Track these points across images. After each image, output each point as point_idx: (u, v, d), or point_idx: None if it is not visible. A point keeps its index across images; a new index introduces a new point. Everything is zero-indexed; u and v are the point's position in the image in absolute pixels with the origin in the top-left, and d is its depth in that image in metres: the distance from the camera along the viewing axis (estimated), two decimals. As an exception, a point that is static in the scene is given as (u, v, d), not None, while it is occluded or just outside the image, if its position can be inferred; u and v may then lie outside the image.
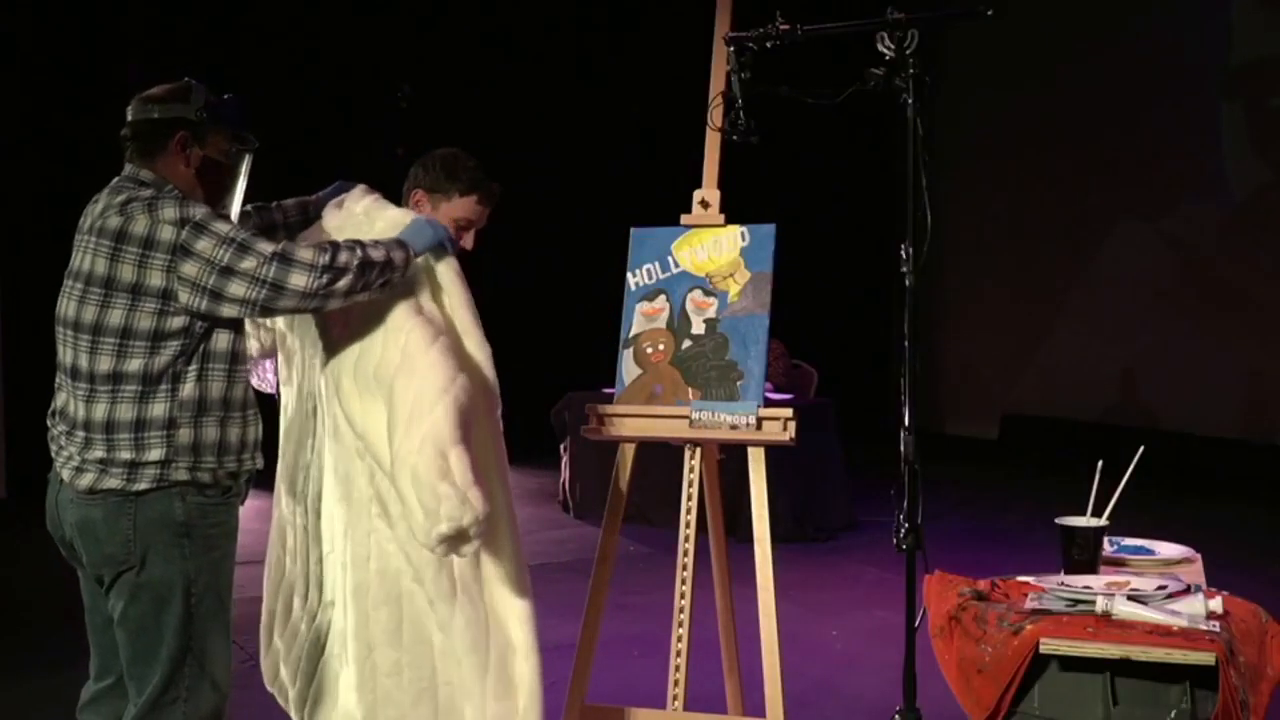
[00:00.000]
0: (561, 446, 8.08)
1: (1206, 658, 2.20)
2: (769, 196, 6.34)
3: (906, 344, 2.75)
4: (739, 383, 3.22)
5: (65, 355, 2.66)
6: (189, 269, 2.54)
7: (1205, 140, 9.76)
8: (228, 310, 2.58)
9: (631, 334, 3.37)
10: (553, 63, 10.31)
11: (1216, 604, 2.44)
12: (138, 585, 2.61)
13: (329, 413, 2.83)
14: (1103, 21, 10.21)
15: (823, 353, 8.73)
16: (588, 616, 3.22)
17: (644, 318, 3.37)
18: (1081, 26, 10.38)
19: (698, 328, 3.31)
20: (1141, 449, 2.91)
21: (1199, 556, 2.93)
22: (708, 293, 3.33)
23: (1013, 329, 11.38)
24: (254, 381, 7.85)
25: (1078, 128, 10.52)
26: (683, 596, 3.18)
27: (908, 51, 2.75)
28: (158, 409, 2.59)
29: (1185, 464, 9.02)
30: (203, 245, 2.54)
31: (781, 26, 3.02)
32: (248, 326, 2.89)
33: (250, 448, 2.74)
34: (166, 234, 2.54)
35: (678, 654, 3.16)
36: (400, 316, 2.72)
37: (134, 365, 2.58)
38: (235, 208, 2.82)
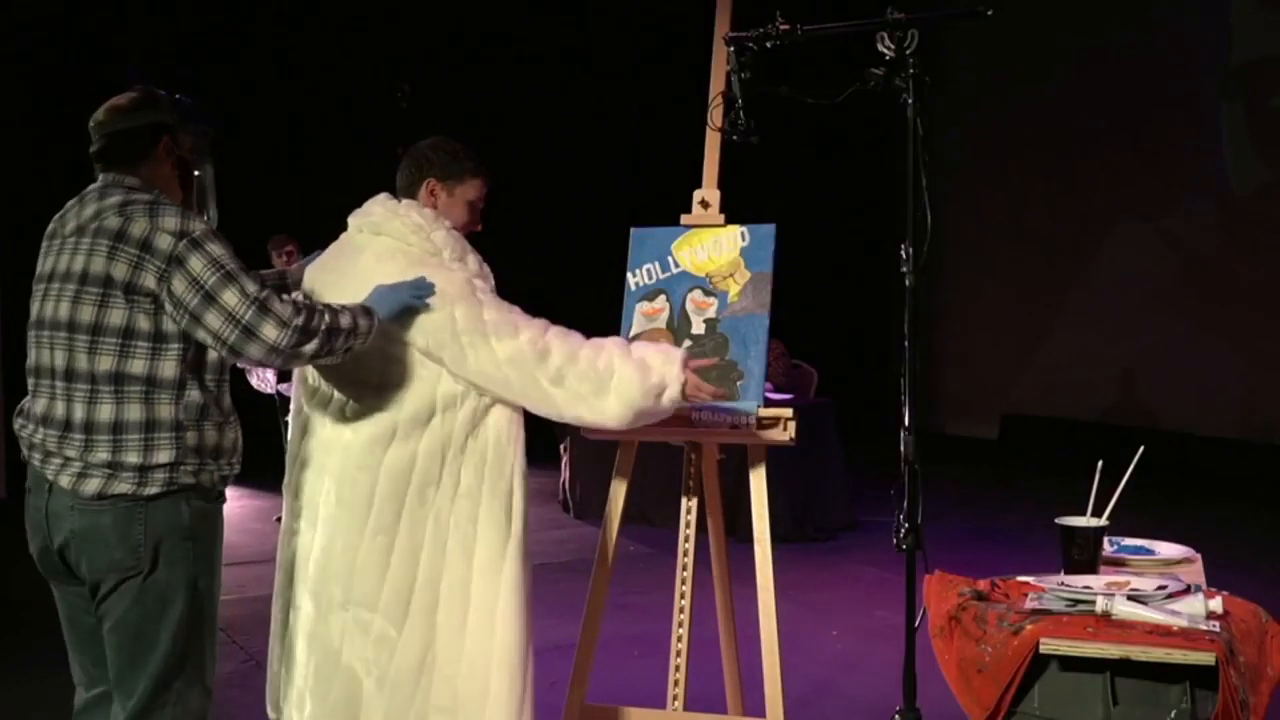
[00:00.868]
0: (561, 446, 8.09)
1: (1206, 658, 2.20)
2: (769, 196, 6.34)
3: (906, 344, 2.75)
4: (739, 383, 3.22)
5: (54, 358, 2.61)
6: (178, 285, 2.54)
7: (1205, 140, 9.76)
8: (201, 338, 2.58)
9: (631, 334, 3.37)
10: (552, 63, 10.31)
11: (1216, 604, 2.43)
12: (143, 590, 2.59)
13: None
14: (1103, 21, 10.21)
15: (823, 353, 8.74)
16: (588, 616, 3.22)
17: (644, 318, 3.37)
18: (1082, 26, 10.38)
19: (698, 328, 3.31)
20: (1141, 449, 2.90)
21: (1199, 556, 2.93)
22: (708, 293, 3.33)
23: (1013, 329, 11.39)
24: (254, 382, 7.74)
25: (1078, 128, 10.52)
26: (683, 596, 3.19)
27: (908, 51, 2.75)
28: (165, 411, 2.57)
29: (1185, 464, 9.02)
30: (195, 264, 2.53)
31: (781, 26, 3.02)
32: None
33: (239, 452, 2.75)
34: (164, 243, 2.54)
35: (678, 654, 3.16)
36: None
37: (138, 366, 2.56)
38: (214, 210, 2.87)
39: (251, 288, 2.55)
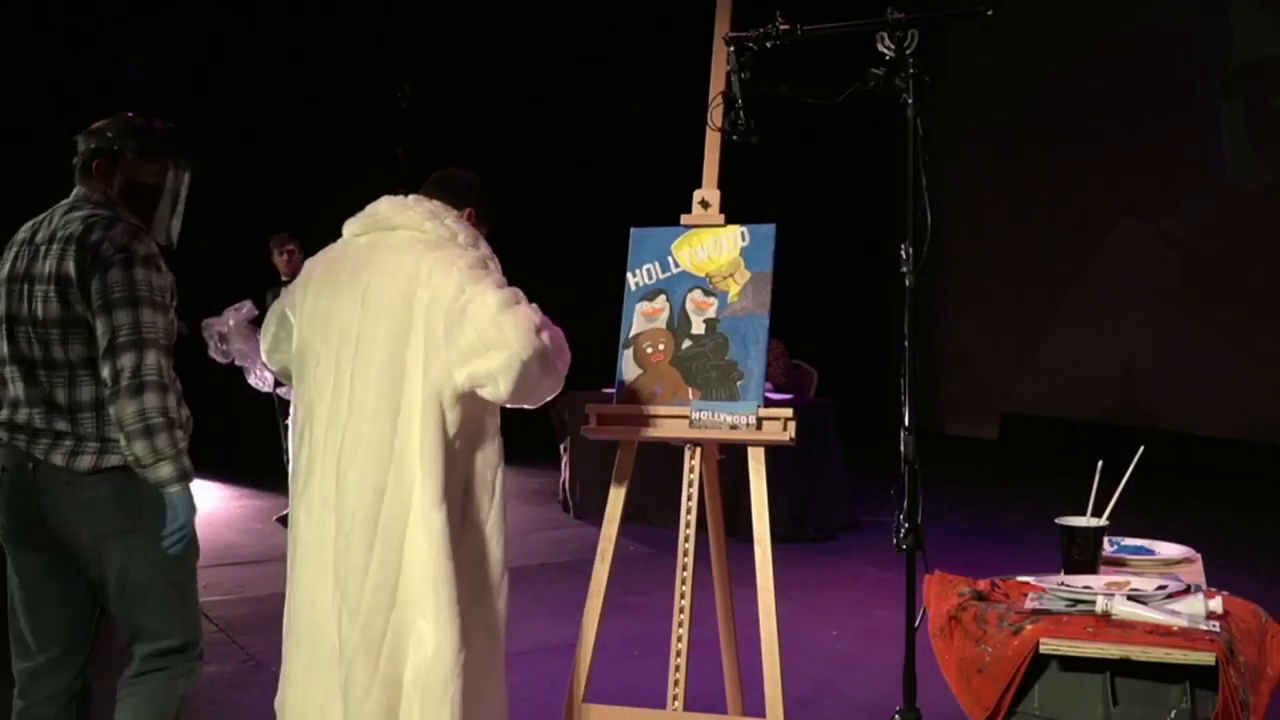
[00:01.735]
0: (561, 446, 8.09)
1: (1206, 658, 2.20)
2: (769, 196, 6.34)
3: (906, 344, 2.75)
4: (739, 383, 3.22)
5: (32, 350, 2.87)
6: (116, 294, 2.80)
7: (1205, 140, 9.77)
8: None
9: (631, 334, 3.37)
10: (552, 63, 10.31)
11: (1216, 604, 2.43)
12: (143, 548, 2.86)
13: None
14: (1103, 21, 10.21)
15: (823, 353, 8.74)
16: (587, 616, 3.22)
17: (644, 318, 3.37)
18: (1082, 27, 10.38)
19: (698, 328, 3.31)
20: (1141, 449, 2.90)
21: (1199, 556, 2.93)
22: (708, 293, 3.33)
23: (1013, 329, 11.39)
24: (251, 380, 7.74)
25: (1078, 128, 10.52)
26: (683, 596, 3.18)
27: (908, 51, 2.75)
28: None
29: (1185, 464, 9.03)
30: (131, 278, 2.82)
31: (781, 26, 3.02)
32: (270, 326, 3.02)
33: (190, 423, 2.97)
34: (106, 252, 2.82)
35: (678, 654, 3.16)
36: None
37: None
38: (175, 229, 3.13)
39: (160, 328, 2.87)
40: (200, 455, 3.14)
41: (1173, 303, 9.89)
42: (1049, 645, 2.29)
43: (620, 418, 3.28)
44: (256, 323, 6.50)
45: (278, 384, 6.93)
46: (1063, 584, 2.55)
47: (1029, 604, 2.46)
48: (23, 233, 2.98)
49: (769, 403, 3.21)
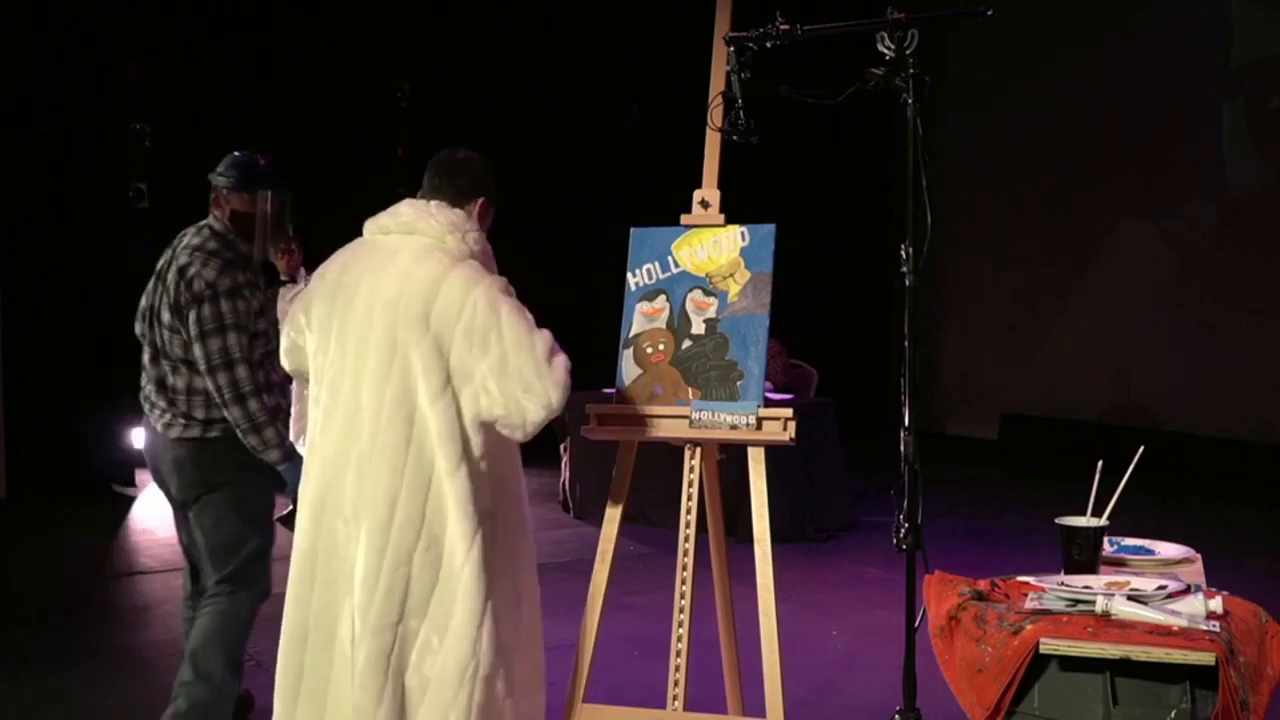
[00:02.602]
0: (561, 446, 8.08)
1: (1206, 658, 2.20)
2: (769, 196, 6.34)
3: (906, 344, 2.75)
4: (739, 383, 3.22)
5: (161, 345, 3.60)
6: (208, 327, 3.50)
7: (1205, 140, 9.77)
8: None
9: (631, 334, 3.37)
10: (552, 63, 10.31)
11: (1216, 604, 2.43)
12: (218, 500, 3.59)
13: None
14: (1103, 22, 10.21)
15: (823, 353, 8.74)
16: (588, 616, 3.22)
17: (644, 318, 3.37)
18: (1082, 27, 10.38)
19: (698, 328, 3.31)
20: (1141, 449, 2.90)
21: (1199, 556, 2.93)
22: (708, 293, 3.33)
23: (1013, 329, 11.39)
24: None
25: (1078, 128, 10.53)
26: (683, 596, 3.18)
27: (908, 51, 2.75)
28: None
29: (1185, 464, 9.02)
30: (218, 311, 3.48)
31: (781, 26, 3.02)
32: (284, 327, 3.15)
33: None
34: (198, 288, 3.49)
35: (678, 654, 3.16)
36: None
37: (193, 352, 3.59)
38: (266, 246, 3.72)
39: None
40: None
41: (1173, 303, 9.89)
42: (1049, 645, 2.29)
43: (620, 418, 3.28)
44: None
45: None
46: (1063, 584, 2.55)
47: (1029, 604, 2.46)
48: (176, 238, 3.66)
49: (769, 403, 3.20)
